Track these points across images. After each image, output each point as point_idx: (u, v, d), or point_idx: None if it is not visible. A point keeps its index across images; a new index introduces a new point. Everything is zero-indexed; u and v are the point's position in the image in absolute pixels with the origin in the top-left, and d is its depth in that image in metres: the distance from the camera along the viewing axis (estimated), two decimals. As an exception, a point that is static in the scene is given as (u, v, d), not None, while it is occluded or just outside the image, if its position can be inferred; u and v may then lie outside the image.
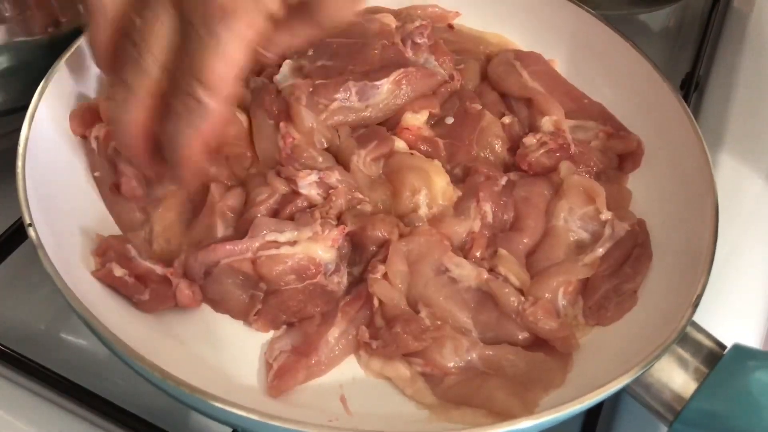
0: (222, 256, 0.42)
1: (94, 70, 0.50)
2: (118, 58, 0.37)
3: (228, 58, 0.34)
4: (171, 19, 0.35)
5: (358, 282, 0.45)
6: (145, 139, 0.37)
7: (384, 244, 0.45)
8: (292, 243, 0.43)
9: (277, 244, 0.42)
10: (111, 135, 0.45)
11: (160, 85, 0.36)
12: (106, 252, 0.42)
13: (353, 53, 0.52)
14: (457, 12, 0.61)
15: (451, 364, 0.41)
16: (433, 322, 0.42)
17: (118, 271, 0.41)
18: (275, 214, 0.45)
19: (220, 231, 0.44)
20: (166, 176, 0.42)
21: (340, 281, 0.44)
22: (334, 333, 0.42)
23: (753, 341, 0.48)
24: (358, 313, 0.43)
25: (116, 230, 0.45)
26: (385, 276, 0.43)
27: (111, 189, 0.46)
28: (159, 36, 0.35)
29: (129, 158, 0.41)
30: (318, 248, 0.43)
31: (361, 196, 0.46)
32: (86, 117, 0.46)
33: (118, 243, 0.43)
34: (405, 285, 0.44)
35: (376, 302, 0.43)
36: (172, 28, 0.35)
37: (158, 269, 0.42)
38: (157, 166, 0.39)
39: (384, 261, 0.43)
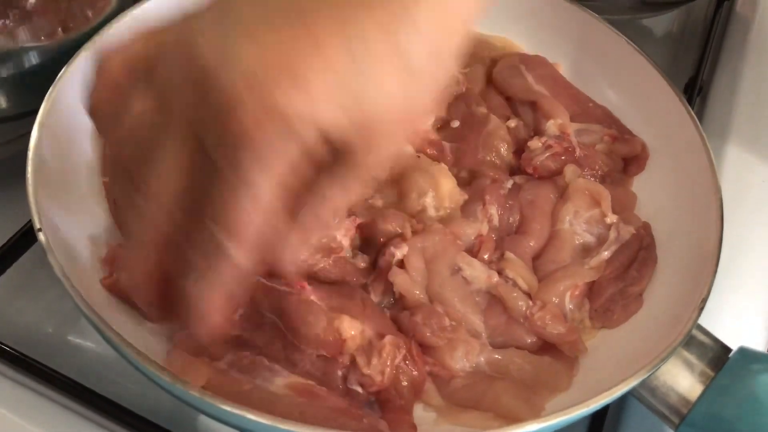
0: None
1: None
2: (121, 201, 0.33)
3: (259, 202, 0.29)
4: (187, 156, 0.30)
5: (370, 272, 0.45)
6: (156, 290, 0.33)
7: (395, 237, 0.44)
8: None
9: None
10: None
11: (169, 230, 0.31)
12: (114, 260, 0.42)
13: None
14: (461, 16, 0.61)
15: (460, 367, 0.41)
16: (449, 323, 0.42)
17: None
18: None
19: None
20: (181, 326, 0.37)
21: (364, 263, 0.44)
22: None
23: (758, 344, 0.48)
24: (385, 294, 0.43)
25: (124, 234, 0.45)
26: (402, 266, 0.43)
27: (116, 200, 0.46)
28: (170, 178, 0.30)
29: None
30: (333, 232, 0.42)
31: (371, 191, 0.46)
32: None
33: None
34: (424, 282, 0.44)
35: (396, 293, 0.43)
36: (186, 167, 0.30)
37: None
38: (170, 315, 0.34)
39: (397, 247, 0.43)
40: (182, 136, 0.30)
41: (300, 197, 0.31)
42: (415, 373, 0.40)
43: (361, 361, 0.39)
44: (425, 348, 0.42)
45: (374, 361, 0.39)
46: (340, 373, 0.39)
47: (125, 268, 0.33)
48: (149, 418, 0.41)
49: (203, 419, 0.43)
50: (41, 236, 0.38)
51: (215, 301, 0.30)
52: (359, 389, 0.39)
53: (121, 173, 0.33)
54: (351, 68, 0.28)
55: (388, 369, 0.39)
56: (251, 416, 0.32)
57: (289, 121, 0.28)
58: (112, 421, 0.41)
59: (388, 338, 0.39)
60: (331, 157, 0.30)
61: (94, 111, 0.34)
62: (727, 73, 0.68)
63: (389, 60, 0.29)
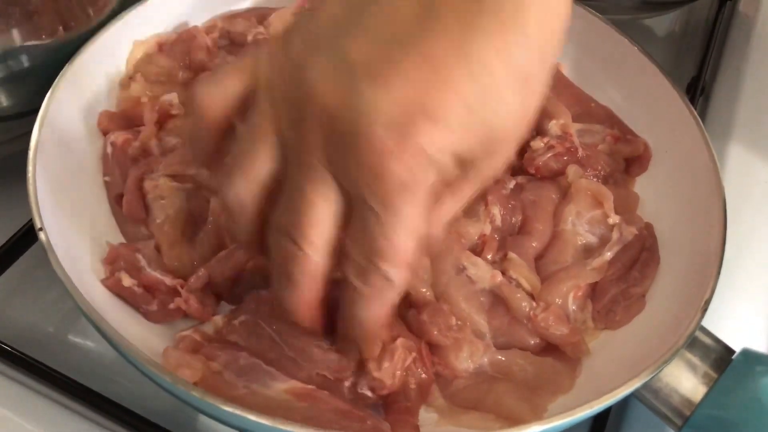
0: (243, 263, 0.42)
1: (104, 74, 0.50)
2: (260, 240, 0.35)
3: (411, 230, 0.31)
4: (334, 200, 0.32)
5: None
6: (318, 317, 0.36)
7: None
8: None
9: None
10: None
11: (325, 273, 0.34)
12: (115, 261, 0.42)
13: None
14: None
15: (464, 368, 0.41)
16: (455, 322, 0.42)
17: (127, 281, 0.41)
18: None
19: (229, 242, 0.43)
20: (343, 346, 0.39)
21: None
22: None
23: (762, 346, 0.48)
24: None
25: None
26: None
27: (116, 199, 0.46)
28: (325, 223, 0.32)
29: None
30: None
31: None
32: (114, 120, 0.46)
33: (128, 252, 0.42)
34: (429, 279, 0.43)
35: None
36: (333, 208, 0.32)
37: (167, 280, 0.41)
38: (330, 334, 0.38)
39: None
40: (325, 185, 0.32)
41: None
42: (423, 375, 0.40)
43: (372, 365, 0.39)
44: (430, 347, 0.41)
45: (386, 364, 0.39)
46: (347, 383, 0.39)
47: (285, 304, 0.35)
48: (149, 418, 0.40)
49: (203, 419, 0.43)
50: (42, 235, 0.38)
51: (381, 319, 0.34)
52: (368, 393, 0.39)
53: (252, 226, 0.35)
54: (476, 92, 0.30)
55: (399, 372, 0.39)
56: (252, 417, 0.32)
57: (431, 157, 0.30)
58: (112, 421, 0.41)
59: (400, 341, 0.39)
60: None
61: (198, 153, 0.36)
62: (729, 73, 0.68)
63: (507, 73, 0.30)
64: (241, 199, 0.34)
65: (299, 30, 0.32)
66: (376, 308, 0.34)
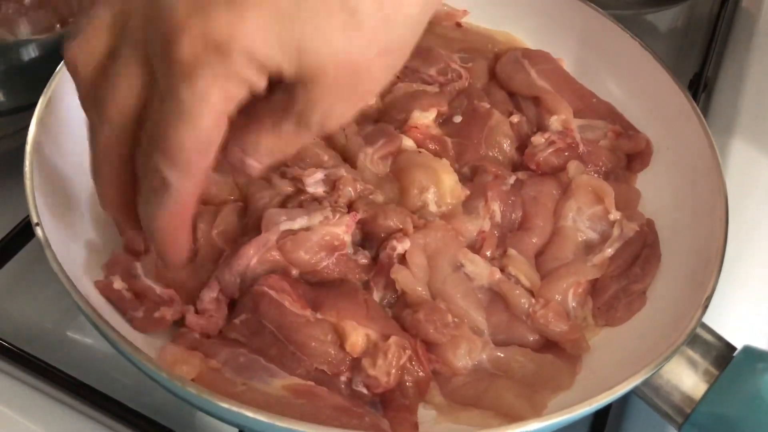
0: (250, 257, 0.41)
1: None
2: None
3: (193, 126, 0.29)
4: (138, 76, 0.30)
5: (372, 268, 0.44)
6: (122, 208, 0.34)
7: (396, 233, 0.44)
8: (306, 229, 0.42)
9: (293, 233, 0.42)
10: None
11: (125, 151, 0.32)
12: (114, 267, 0.42)
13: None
14: (465, 10, 0.60)
15: (462, 365, 0.41)
16: (452, 319, 0.42)
17: (118, 284, 0.40)
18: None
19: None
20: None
21: (365, 259, 0.44)
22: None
23: (763, 343, 0.48)
24: (386, 289, 0.43)
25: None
26: (403, 261, 0.43)
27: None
28: (121, 97, 0.31)
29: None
30: (335, 228, 0.42)
31: (371, 187, 0.46)
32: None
33: (127, 260, 0.42)
34: (426, 278, 0.43)
35: (399, 289, 0.43)
36: (137, 87, 0.30)
37: (158, 289, 0.41)
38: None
39: (399, 241, 0.43)
40: (134, 56, 0.30)
41: (237, 123, 0.31)
42: (420, 373, 0.40)
43: (366, 362, 0.39)
44: (428, 345, 0.41)
45: (380, 362, 0.39)
46: (343, 378, 0.39)
47: (95, 181, 0.34)
48: (147, 414, 0.40)
49: (200, 415, 0.43)
50: (39, 231, 0.37)
51: (165, 224, 0.32)
52: (364, 390, 0.39)
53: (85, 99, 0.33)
54: (293, 7, 0.28)
55: (394, 370, 0.39)
56: (248, 413, 0.32)
57: (226, 53, 0.28)
58: (110, 417, 0.41)
59: (393, 339, 0.39)
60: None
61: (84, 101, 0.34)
62: (732, 69, 0.68)
63: (335, 9, 0.29)
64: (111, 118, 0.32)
65: None
66: (154, 209, 0.31)
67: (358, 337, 0.39)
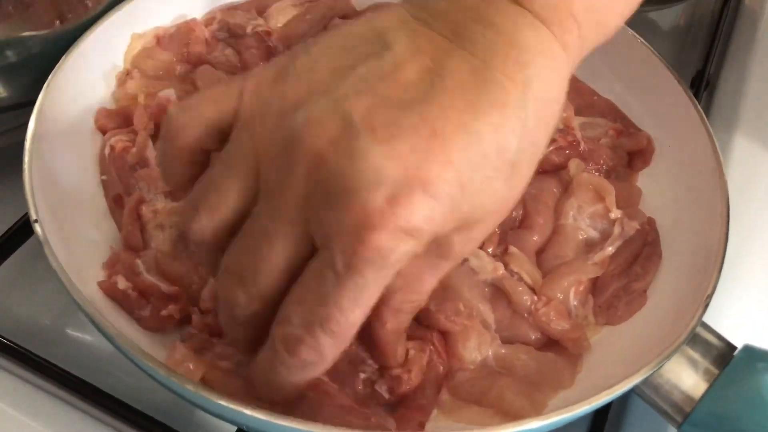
0: None
1: (101, 66, 0.50)
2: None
3: (364, 303, 0.29)
4: (295, 249, 0.30)
5: None
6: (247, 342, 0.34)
7: None
8: None
9: None
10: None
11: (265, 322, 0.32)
12: (115, 265, 0.41)
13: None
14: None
15: (471, 358, 0.41)
16: (463, 308, 0.42)
17: (122, 284, 0.40)
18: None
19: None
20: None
21: None
22: None
23: (764, 342, 0.48)
24: None
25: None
26: None
27: (115, 200, 0.45)
28: (277, 272, 0.30)
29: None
30: None
31: None
32: (112, 118, 0.46)
33: (128, 257, 0.42)
34: None
35: None
36: (289, 260, 0.30)
37: (163, 286, 0.41)
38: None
39: None
40: (294, 231, 0.30)
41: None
42: (441, 368, 0.40)
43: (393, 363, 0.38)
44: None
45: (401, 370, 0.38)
46: (362, 375, 0.38)
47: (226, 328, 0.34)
48: (146, 412, 0.40)
49: (200, 413, 0.43)
50: (37, 227, 0.37)
51: (288, 392, 0.33)
52: (385, 394, 0.38)
53: (207, 253, 0.33)
54: (470, 171, 0.29)
55: (417, 369, 0.38)
56: (246, 411, 0.32)
57: (418, 237, 0.29)
58: (109, 414, 0.41)
59: (411, 344, 0.39)
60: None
61: (168, 178, 0.35)
62: (734, 67, 0.68)
63: (499, 158, 0.30)
64: (202, 235, 0.32)
65: (293, 68, 0.31)
66: (294, 379, 0.32)
67: None
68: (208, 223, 0.32)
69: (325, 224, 0.29)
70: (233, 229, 0.32)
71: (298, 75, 0.31)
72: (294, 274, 0.31)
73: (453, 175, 0.29)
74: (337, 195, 0.28)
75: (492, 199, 0.30)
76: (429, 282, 0.34)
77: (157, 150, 0.46)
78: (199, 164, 0.33)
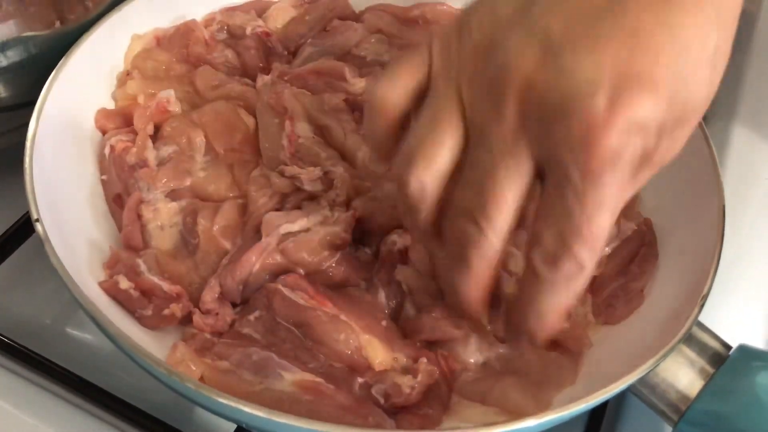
0: (252, 264, 0.41)
1: (102, 66, 0.50)
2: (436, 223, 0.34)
3: (612, 209, 0.30)
4: (522, 180, 0.31)
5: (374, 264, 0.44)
6: (484, 305, 0.36)
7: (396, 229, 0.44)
8: (306, 230, 0.42)
9: (294, 235, 0.42)
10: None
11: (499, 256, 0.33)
12: (116, 265, 0.42)
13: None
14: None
15: (472, 360, 0.41)
16: None
17: (124, 284, 0.40)
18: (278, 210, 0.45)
19: (230, 249, 0.43)
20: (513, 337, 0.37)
21: (366, 255, 0.44)
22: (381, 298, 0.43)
23: (759, 342, 0.48)
24: (390, 285, 0.43)
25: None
26: (404, 255, 0.43)
27: (115, 200, 0.46)
28: (507, 203, 0.32)
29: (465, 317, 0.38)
30: (335, 227, 0.43)
31: (368, 184, 0.46)
32: (112, 118, 0.46)
33: (129, 257, 0.42)
34: (429, 272, 0.43)
35: (405, 289, 0.43)
36: (521, 190, 0.31)
37: (165, 286, 0.41)
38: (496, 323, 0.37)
39: (400, 235, 0.43)
40: (517, 162, 0.31)
41: None
42: (444, 388, 0.40)
43: (393, 373, 0.39)
44: (439, 343, 0.41)
45: (407, 378, 0.39)
46: (360, 380, 0.39)
47: (452, 289, 0.35)
48: (147, 410, 0.41)
49: (200, 412, 0.43)
50: (38, 227, 0.38)
51: (563, 313, 0.33)
52: (380, 398, 0.38)
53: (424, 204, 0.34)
54: (681, 62, 0.29)
55: (418, 387, 0.39)
56: (246, 409, 0.32)
57: (646, 131, 0.29)
58: (109, 413, 0.41)
59: (422, 361, 0.39)
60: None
61: (376, 146, 0.36)
62: (730, 70, 0.67)
63: (702, 48, 0.30)
64: (425, 187, 0.33)
65: (475, 18, 0.32)
66: (562, 298, 0.32)
67: (386, 357, 0.40)
68: (425, 170, 0.33)
69: (551, 143, 0.30)
70: (447, 179, 0.33)
71: (481, 22, 0.32)
72: (521, 206, 0.32)
73: (663, 67, 0.29)
74: (555, 111, 0.29)
75: (700, 89, 0.31)
76: (628, 193, 0.33)
77: (156, 150, 0.47)
78: (401, 129, 0.35)
